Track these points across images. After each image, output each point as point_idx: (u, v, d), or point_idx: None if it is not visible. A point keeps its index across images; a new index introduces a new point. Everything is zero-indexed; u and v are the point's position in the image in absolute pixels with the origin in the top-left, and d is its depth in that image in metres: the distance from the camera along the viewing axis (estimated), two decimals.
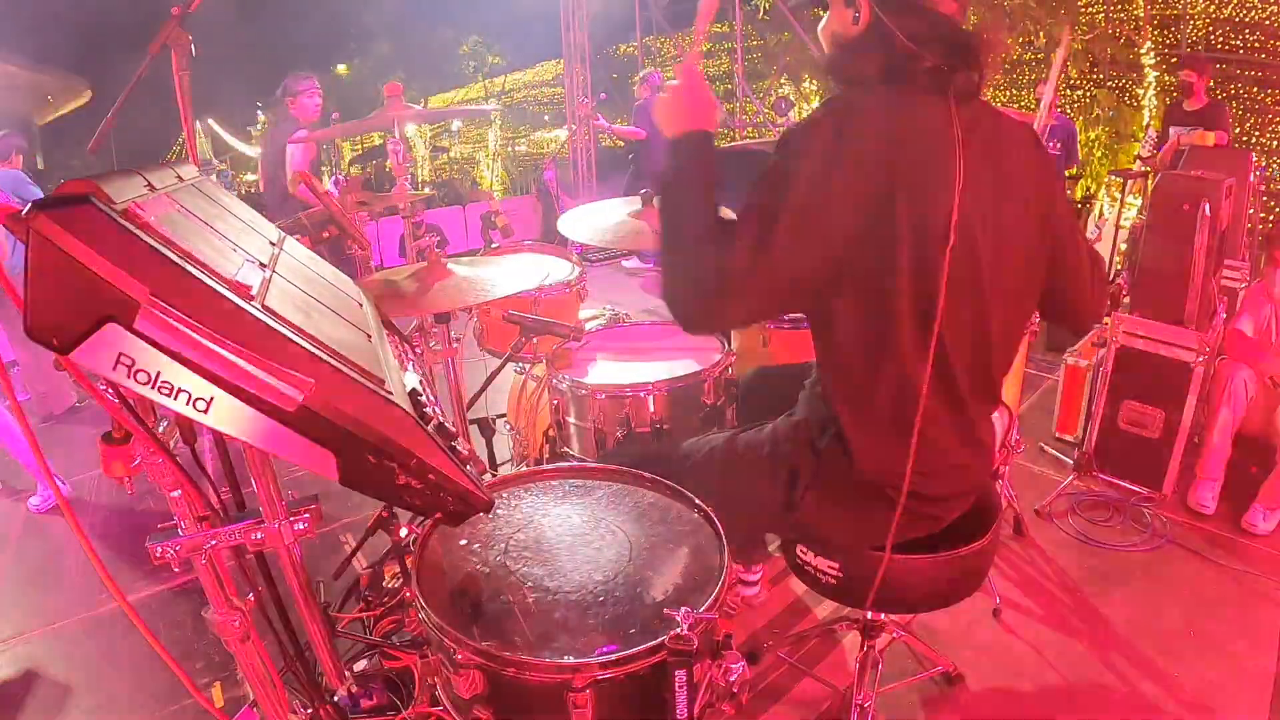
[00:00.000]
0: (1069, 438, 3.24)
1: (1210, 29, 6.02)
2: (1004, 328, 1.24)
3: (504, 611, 1.15)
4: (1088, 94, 6.60)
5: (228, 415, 0.82)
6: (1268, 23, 5.76)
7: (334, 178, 5.41)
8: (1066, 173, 5.14)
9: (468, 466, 1.00)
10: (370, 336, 1.16)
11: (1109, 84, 6.50)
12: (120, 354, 0.77)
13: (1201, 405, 2.72)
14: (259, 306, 0.86)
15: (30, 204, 0.73)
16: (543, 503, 1.44)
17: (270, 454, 1.02)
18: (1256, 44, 5.83)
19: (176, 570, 1.09)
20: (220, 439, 1.18)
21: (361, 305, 1.33)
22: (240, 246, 1.05)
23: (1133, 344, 2.75)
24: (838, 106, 1.15)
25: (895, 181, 1.09)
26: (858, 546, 1.33)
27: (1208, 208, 2.50)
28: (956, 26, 1.16)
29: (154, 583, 2.53)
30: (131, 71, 1.65)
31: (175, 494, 1.01)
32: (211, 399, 0.81)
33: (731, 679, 1.07)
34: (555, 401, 2.02)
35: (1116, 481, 2.86)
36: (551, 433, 2.14)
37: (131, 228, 0.78)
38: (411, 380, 1.19)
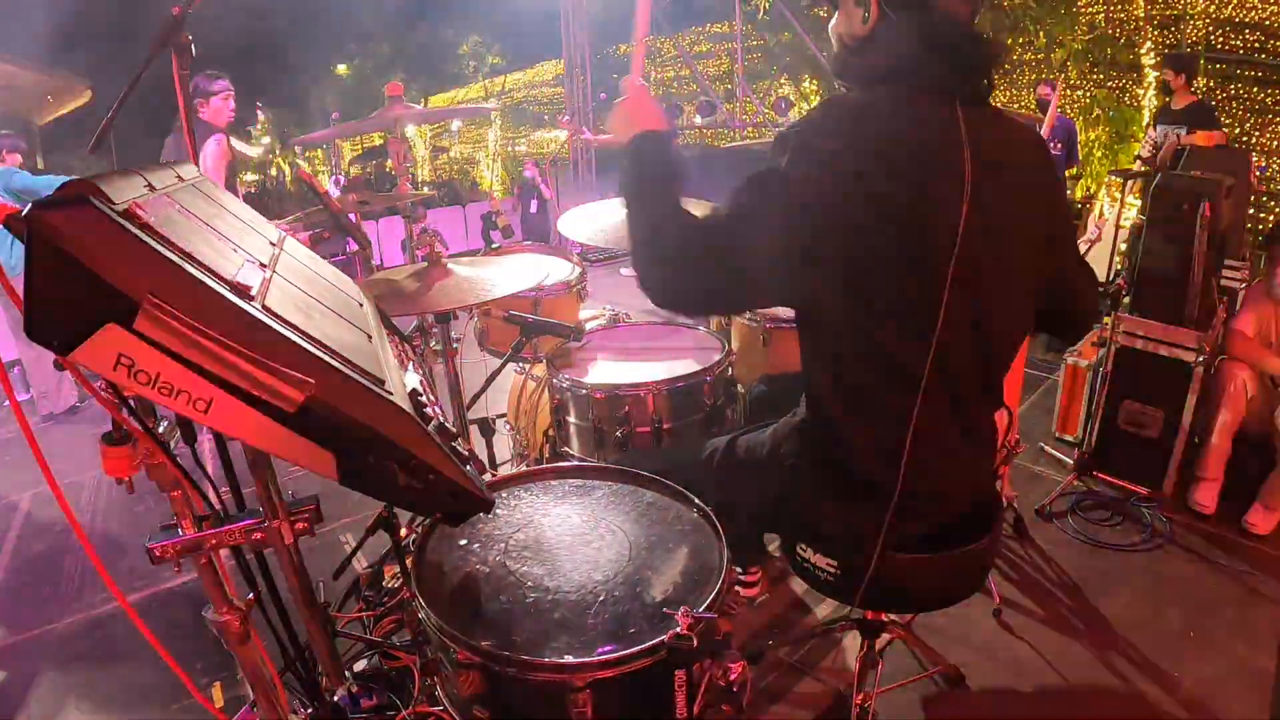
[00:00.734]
0: (1069, 438, 3.24)
1: (1210, 29, 6.02)
2: (1005, 329, 1.24)
3: (504, 611, 1.15)
4: (1088, 94, 6.60)
5: (228, 415, 0.82)
6: (1268, 23, 5.77)
7: (334, 177, 5.41)
8: (1066, 173, 5.14)
9: (468, 466, 1.00)
10: (370, 336, 1.16)
11: (1109, 84, 6.50)
12: (120, 354, 0.77)
13: (1201, 405, 2.72)
14: (259, 307, 0.86)
15: (30, 204, 0.73)
16: (542, 503, 1.44)
17: (270, 454, 1.02)
18: (1256, 44, 5.83)
19: (176, 570, 1.09)
20: (220, 439, 1.18)
21: (361, 305, 1.33)
22: (240, 246, 1.05)
23: (1133, 344, 2.76)
24: (837, 105, 1.15)
25: (895, 181, 1.08)
26: (857, 544, 1.33)
27: (1208, 208, 2.51)
28: (967, 29, 1.16)
29: (154, 583, 2.53)
30: (131, 71, 1.65)
31: (175, 494, 1.01)
32: (211, 399, 0.81)
33: (731, 679, 1.07)
34: (555, 401, 2.02)
35: (1116, 481, 2.86)
36: (551, 432, 2.14)
37: (132, 228, 0.78)
38: (411, 380, 1.19)
